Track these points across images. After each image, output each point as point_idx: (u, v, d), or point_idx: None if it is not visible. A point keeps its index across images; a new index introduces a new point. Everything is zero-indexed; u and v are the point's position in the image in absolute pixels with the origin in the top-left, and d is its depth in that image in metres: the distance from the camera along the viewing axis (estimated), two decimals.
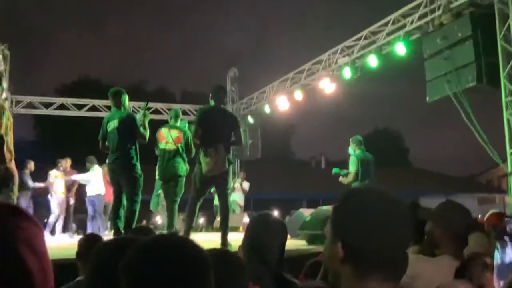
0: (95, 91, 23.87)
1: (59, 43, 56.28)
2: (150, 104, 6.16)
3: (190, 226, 5.71)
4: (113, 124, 5.63)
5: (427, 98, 8.50)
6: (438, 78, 8.07)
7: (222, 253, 1.82)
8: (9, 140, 4.73)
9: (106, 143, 5.74)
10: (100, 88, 30.07)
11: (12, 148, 4.72)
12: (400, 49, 9.22)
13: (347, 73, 10.38)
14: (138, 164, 5.65)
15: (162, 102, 14.49)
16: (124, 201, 5.57)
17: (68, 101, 13.47)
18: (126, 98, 5.85)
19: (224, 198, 5.80)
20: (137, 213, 5.58)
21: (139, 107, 6.50)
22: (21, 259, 0.61)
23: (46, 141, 29.34)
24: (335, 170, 7.61)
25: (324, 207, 7.28)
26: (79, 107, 13.43)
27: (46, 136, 31.16)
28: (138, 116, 5.72)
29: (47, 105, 13.23)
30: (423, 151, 55.17)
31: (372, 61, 9.80)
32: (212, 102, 5.88)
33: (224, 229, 5.68)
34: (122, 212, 5.59)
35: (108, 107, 13.35)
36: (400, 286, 1.10)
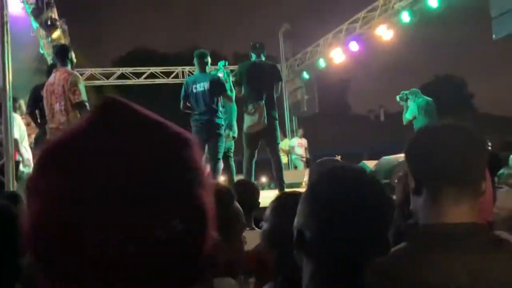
0: (151, 59, 24.36)
1: (112, 16, 57.43)
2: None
3: None
4: (202, 86, 5.69)
5: (493, 36, 8.02)
6: (506, 14, 7.54)
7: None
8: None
9: (188, 104, 5.85)
10: (155, 57, 30.62)
11: None
12: None
13: (405, 17, 9.88)
14: (224, 124, 5.86)
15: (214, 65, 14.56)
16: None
17: (127, 70, 13.85)
18: (209, 60, 5.95)
19: (273, 152, 5.87)
20: (219, 170, 5.83)
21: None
22: (201, 204, 0.54)
23: None
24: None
25: (388, 157, 7.13)
26: (138, 75, 13.76)
27: None
28: (221, 77, 5.93)
29: (108, 76, 13.68)
30: (489, 95, 52.45)
31: (432, 1, 9.26)
32: (252, 58, 5.98)
33: (280, 183, 5.75)
34: None
35: (165, 73, 13.71)
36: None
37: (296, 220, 1.02)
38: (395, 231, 1.14)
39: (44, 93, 4.98)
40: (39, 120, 5.73)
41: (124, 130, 0.51)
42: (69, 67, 4.99)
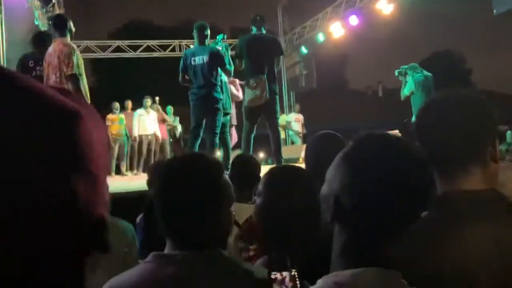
0: (147, 33, 24.04)
1: None
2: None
3: None
4: (201, 58, 5.57)
5: (494, 11, 7.93)
6: None
7: None
8: (85, 84, 4.85)
9: (186, 77, 5.72)
10: (152, 30, 30.21)
11: (88, 93, 4.84)
12: None
13: None
14: (222, 98, 5.75)
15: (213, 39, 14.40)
16: (201, 133, 5.67)
17: (123, 43, 13.64)
18: (209, 33, 5.79)
19: (272, 127, 5.83)
20: (217, 145, 5.74)
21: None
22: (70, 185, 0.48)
23: (105, 86, 30.19)
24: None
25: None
26: (134, 48, 13.59)
27: (105, 80, 32.06)
28: (220, 50, 5.79)
29: (104, 49, 13.49)
30: (487, 72, 52.26)
31: None
32: (252, 31, 5.89)
33: (278, 159, 5.74)
34: (197, 145, 5.69)
35: (162, 47, 13.54)
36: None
37: (326, 186, 0.97)
38: None
39: (44, 64, 4.89)
40: None
41: None
42: (68, 37, 4.88)
